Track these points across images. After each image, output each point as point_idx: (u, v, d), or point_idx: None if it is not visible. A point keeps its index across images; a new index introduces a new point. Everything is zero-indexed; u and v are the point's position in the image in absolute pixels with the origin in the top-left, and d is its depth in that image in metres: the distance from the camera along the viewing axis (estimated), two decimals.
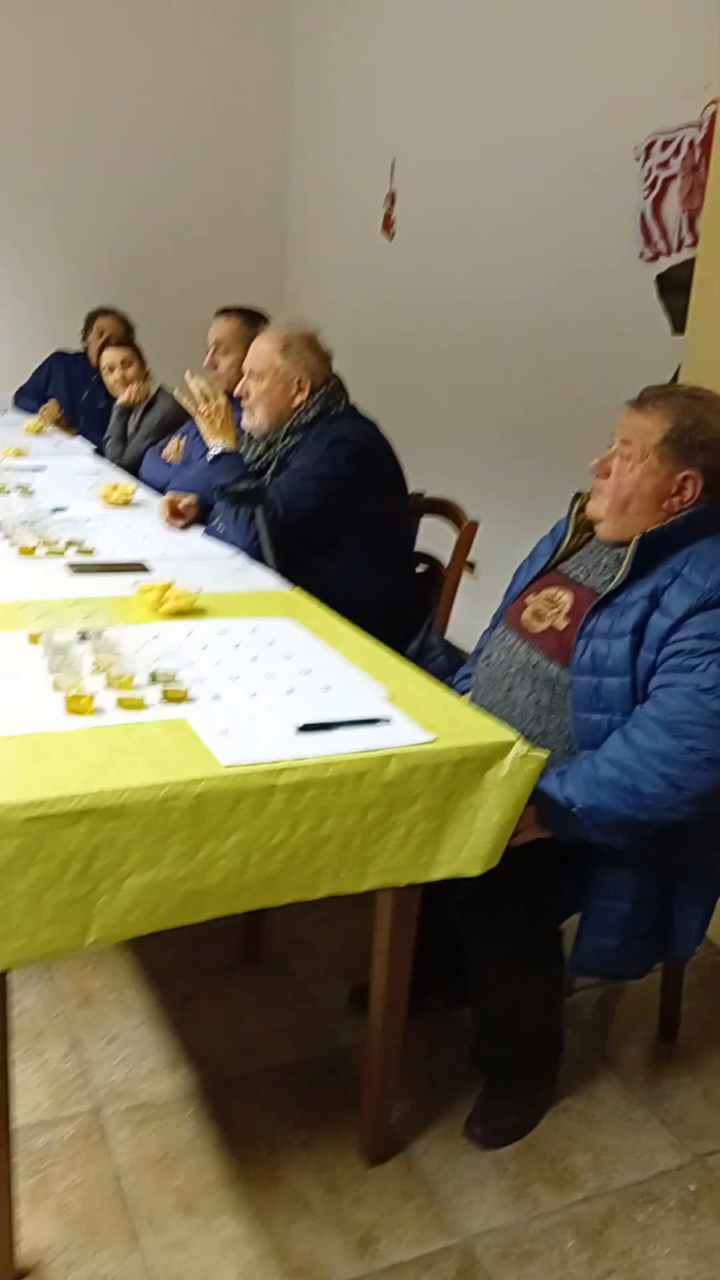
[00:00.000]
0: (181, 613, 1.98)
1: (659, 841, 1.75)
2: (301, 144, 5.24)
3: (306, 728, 1.51)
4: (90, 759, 1.37)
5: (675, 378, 2.76)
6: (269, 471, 2.56)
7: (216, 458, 2.54)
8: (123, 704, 1.53)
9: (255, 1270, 1.62)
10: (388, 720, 1.58)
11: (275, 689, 1.67)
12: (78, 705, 1.50)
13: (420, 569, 2.92)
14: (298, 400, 2.57)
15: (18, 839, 1.23)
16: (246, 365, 2.59)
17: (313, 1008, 2.20)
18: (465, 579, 2.78)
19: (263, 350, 2.56)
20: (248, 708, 1.58)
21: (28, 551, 2.30)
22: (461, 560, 2.74)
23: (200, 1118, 1.90)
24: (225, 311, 3.24)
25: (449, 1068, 2.04)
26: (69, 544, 2.38)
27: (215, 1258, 1.63)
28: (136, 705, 1.54)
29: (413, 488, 2.97)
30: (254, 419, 2.58)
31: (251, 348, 2.59)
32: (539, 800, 1.72)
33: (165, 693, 1.57)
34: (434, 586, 2.82)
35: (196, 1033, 2.10)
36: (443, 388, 4.28)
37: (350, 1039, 2.11)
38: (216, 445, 2.57)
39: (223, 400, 2.61)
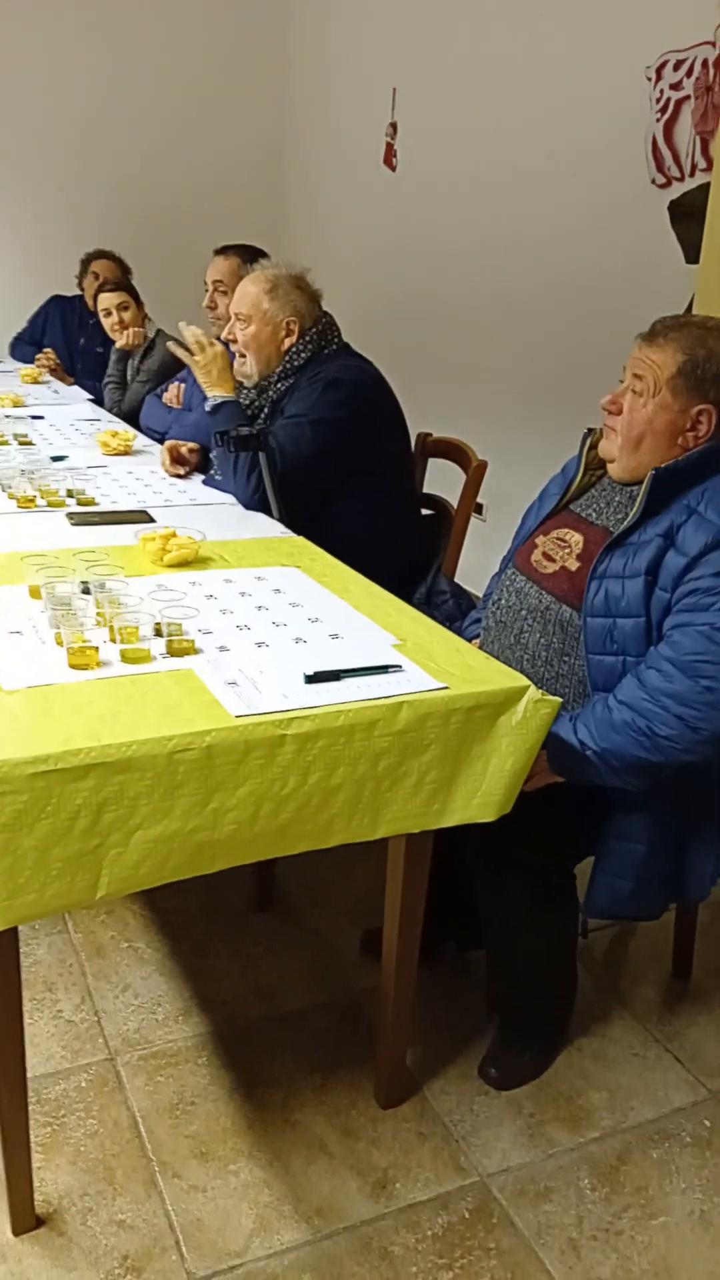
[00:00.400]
0: (185, 562, 1.95)
1: (673, 783, 1.74)
2: (299, 76, 5.09)
3: (315, 677, 1.49)
4: (97, 712, 1.35)
5: (689, 309, 2.68)
6: (262, 417, 2.51)
7: (216, 408, 2.49)
8: (127, 657, 1.51)
9: (272, 1213, 1.63)
10: (398, 668, 1.55)
11: (283, 638, 1.64)
12: (82, 659, 1.47)
13: (428, 512, 2.88)
14: (287, 343, 2.50)
15: (24, 794, 1.21)
16: (233, 308, 2.51)
17: (326, 953, 2.21)
18: (474, 521, 2.73)
19: (249, 292, 2.48)
20: (256, 658, 1.56)
21: (27, 503, 2.26)
22: (470, 502, 2.69)
23: (214, 1064, 1.91)
24: (223, 250, 3.15)
25: (463, 1011, 2.05)
26: (69, 493, 2.33)
27: (233, 1201, 1.65)
28: (143, 658, 1.51)
29: (420, 429, 2.91)
30: (243, 364, 2.52)
31: (237, 290, 2.52)
32: (552, 745, 1.71)
33: (170, 645, 1.54)
34: (442, 530, 2.78)
35: (210, 980, 2.11)
36: (450, 325, 4.19)
37: (363, 983, 2.11)
38: (215, 395, 2.51)
39: (219, 348, 2.53)
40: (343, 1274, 1.55)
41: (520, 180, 3.69)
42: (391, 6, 4.24)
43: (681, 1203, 1.70)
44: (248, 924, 2.29)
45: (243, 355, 2.53)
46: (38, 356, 4.24)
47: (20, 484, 2.30)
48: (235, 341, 2.53)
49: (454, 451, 2.79)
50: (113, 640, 1.55)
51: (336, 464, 2.43)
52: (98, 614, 1.59)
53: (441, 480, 2.89)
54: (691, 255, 2.88)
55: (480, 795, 1.54)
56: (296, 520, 2.35)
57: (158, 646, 1.55)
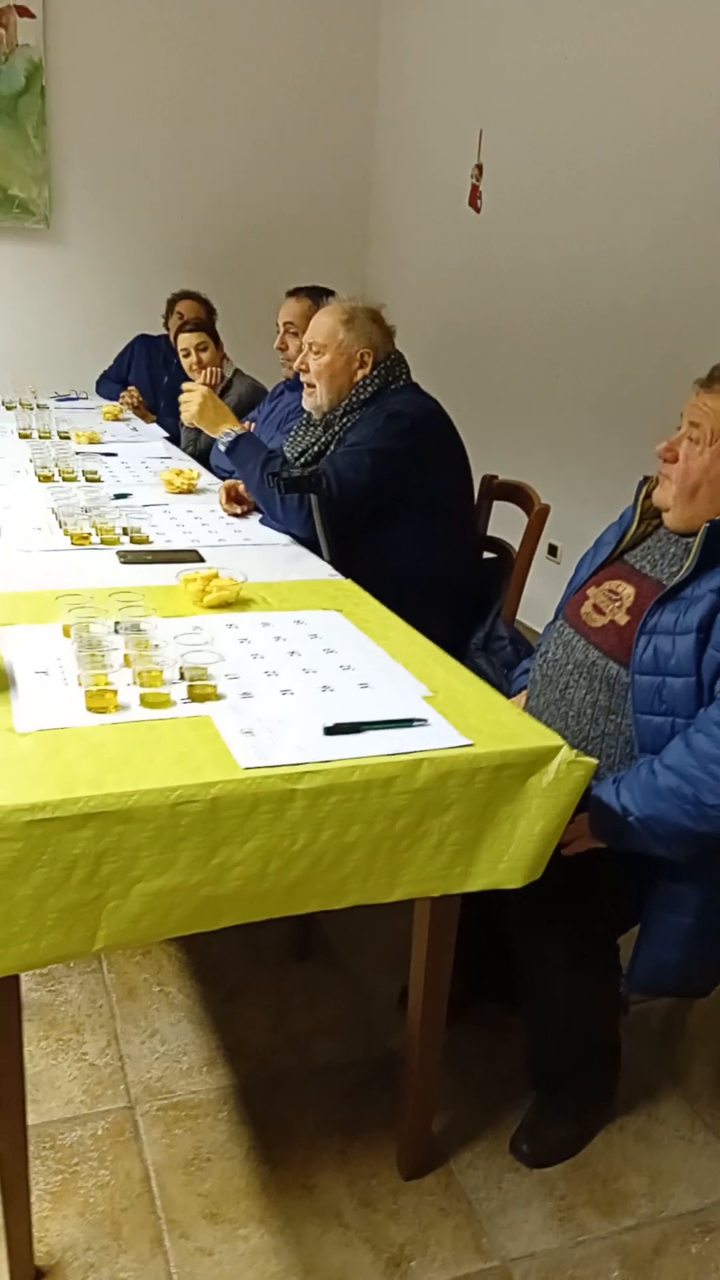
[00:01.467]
0: (226, 603, 1.93)
1: None
2: (387, 118, 5.13)
3: (334, 729, 1.44)
4: (106, 758, 1.33)
5: None
6: (329, 454, 2.49)
7: (232, 445, 2.49)
8: (146, 701, 1.48)
9: None
10: (424, 722, 1.49)
11: (310, 686, 1.60)
12: (100, 702, 1.46)
13: (490, 555, 2.82)
14: (360, 375, 2.49)
15: (19, 842, 1.19)
16: (307, 339, 2.51)
17: (362, 1006, 2.14)
18: (548, 564, 2.66)
19: (325, 323, 2.48)
20: (278, 706, 1.52)
21: (81, 540, 2.27)
22: (532, 546, 2.62)
23: (235, 1119, 1.85)
24: (295, 292, 3.17)
25: (502, 1078, 1.96)
26: (125, 531, 2.34)
27: (239, 1267, 1.59)
28: (162, 703, 1.49)
29: (494, 467, 2.86)
30: (314, 396, 2.51)
31: (313, 321, 2.52)
32: (593, 808, 1.63)
33: (191, 690, 1.51)
34: (504, 573, 2.71)
35: (240, 1029, 2.06)
36: (531, 364, 4.14)
37: (399, 1040, 2.03)
38: (226, 431, 2.51)
39: (199, 389, 2.64)
40: None
41: (603, 221, 3.63)
42: (482, 47, 4.25)
43: None
44: (285, 971, 2.24)
45: (312, 386, 2.52)
46: (122, 394, 4.32)
47: (78, 521, 2.32)
48: (307, 371, 2.52)
49: (518, 494, 2.73)
50: (136, 683, 1.53)
51: (391, 494, 2.40)
52: (125, 656, 1.57)
53: (509, 524, 2.83)
54: None
55: (507, 859, 1.47)
56: (347, 553, 2.32)
57: (180, 691, 1.52)
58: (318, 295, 3.07)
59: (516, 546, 2.69)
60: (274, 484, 2.25)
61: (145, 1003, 2.13)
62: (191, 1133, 1.83)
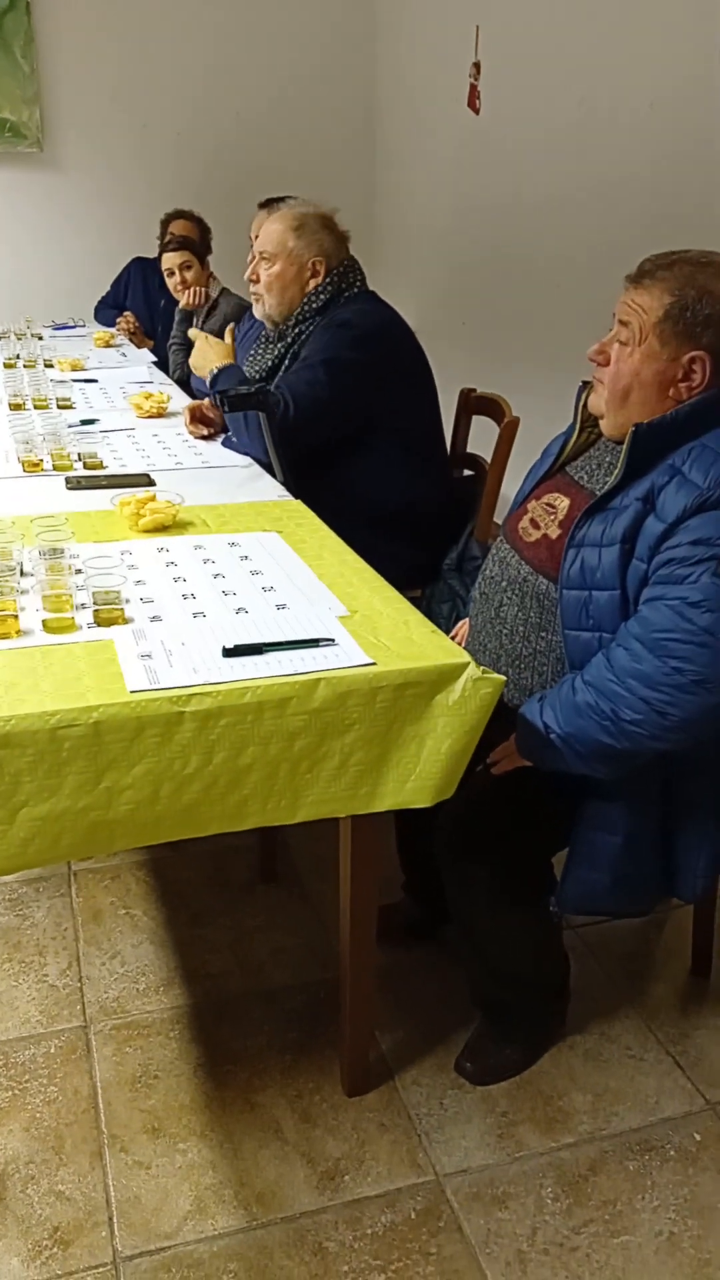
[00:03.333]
0: (163, 526, 1.90)
1: (656, 770, 1.59)
2: (387, 23, 4.90)
3: (234, 650, 1.41)
4: None
5: None
6: (282, 366, 2.43)
7: (216, 376, 2.43)
8: (49, 626, 1.47)
9: (211, 1196, 1.60)
10: (331, 641, 1.46)
11: (225, 609, 1.57)
12: (0, 628, 1.44)
13: (469, 473, 2.74)
14: (312, 284, 2.41)
15: None
16: (257, 247, 2.44)
17: (322, 929, 2.15)
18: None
19: (274, 230, 2.40)
20: (186, 629, 1.49)
21: (33, 467, 2.25)
22: (503, 460, 2.54)
23: (186, 1038, 1.88)
24: (267, 203, 3.07)
25: (453, 998, 1.96)
26: (79, 457, 2.31)
27: (174, 1181, 1.62)
28: (66, 627, 1.47)
29: (498, 383, 2.76)
30: (262, 305, 2.44)
31: (262, 229, 2.44)
32: (519, 727, 1.59)
33: (96, 614, 1.49)
34: (480, 491, 2.64)
35: (201, 951, 2.08)
36: (534, 274, 3.99)
37: None
38: (211, 370, 2.49)
39: (201, 334, 2.61)
40: (270, 1266, 1.50)
41: (607, 131, 3.43)
42: None
43: (650, 1222, 1.58)
44: (251, 896, 2.25)
45: (259, 295, 2.45)
46: (117, 319, 4.26)
47: (32, 448, 2.30)
48: (256, 281, 2.45)
49: (490, 407, 2.64)
50: (45, 608, 1.51)
51: (350, 410, 2.32)
52: (38, 581, 1.55)
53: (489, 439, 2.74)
54: None
55: (415, 779, 1.44)
56: (316, 484, 2.27)
57: (86, 616, 1.50)
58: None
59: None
60: (220, 402, 2.20)
61: (110, 925, 2.16)
62: (141, 1050, 1.86)
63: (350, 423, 2.32)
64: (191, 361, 2.63)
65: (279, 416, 2.24)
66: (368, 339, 2.30)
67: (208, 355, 2.53)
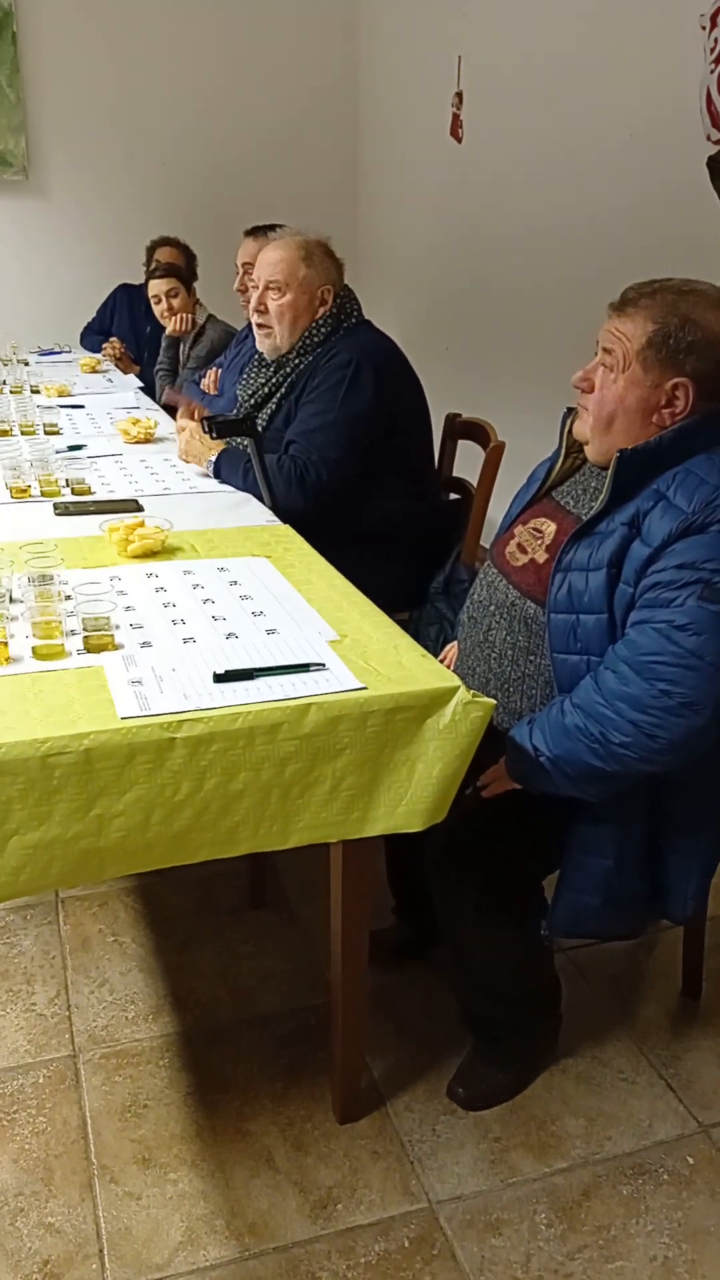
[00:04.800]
0: (151, 552, 1.90)
1: (644, 792, 1.60)
2: (370, 51, 4.97)
3: (224, 676, 1.42)
4: None
5: None
6: (278, 395, 2.44)
7: (217, 466, 2.43)
8: (38, 653, 1.47)
9: (203, 1227, 1.58)
10: (322, 666, 1.46)
11: (215, 634, 1.57)
12: None
13: (455, 497, 2.76)
14: (321, 312, 2.42)
15: None
16: (264, 276, 2.41)
17: (311, 955, 2.14)
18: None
19: (283, 259, 2.38)
20: (177, 655, 1.50)
21: (21, 493, 2.25)
22: (489, 484, 2.57)
23: (175, 1066, 1.87)
24: (253, 231, 3.10)
25: (444, 1021, 1.95)
26: (67, 483, 2.32)
27: (165, 1211, 1.61)
28: (55, 654, 1.47)
29: (481, 408, 2.78)
30: (272, 337, 2.43)
31: (264, 258, 2.43)
32: (509, 750, 1.60)
33: (86, 641, 1.49)
34: (466, 515, 2.66)
35: (189, 978, 2.07)
36: (513, 300, 4.03)
37: None
38: (209, 460, 2.47)
39: (187, 427, 2.59)
40: None
41: (588, 150, 3.49)
42: None
43: (645, 1247, 1.57)
44: (239, 921, 2.24)
45: (268, 327, 2.44)
46: (104, 345, 4.28)
47: (20, 474, 2.30)
48: (264, 312, 2.44)
49: (477, 432, 2.66)
50: (35, 635, 1.51)
51: (368, 453, 2.35)
52: (29, 608, 1.55)
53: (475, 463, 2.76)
54: None
55: (406, 803, 1.44)
56: (327, 513, 2.28)
57: (76, 643, 1.50)
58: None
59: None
60: (209, 428, 2.21)
61: (98, 953, 2.14)
62: (131, 1080, 1.84)
63: (368, 465, 2.35)
64: (183, 451, 2.58)
65: (311, 484, 2.25)
66: (378, 381, 2.32)
67: (199, 448, 2.50)
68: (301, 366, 2.44)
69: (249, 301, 3.05)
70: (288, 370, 2.47)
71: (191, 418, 2.65)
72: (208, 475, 2.45)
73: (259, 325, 2.48)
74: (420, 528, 2.51)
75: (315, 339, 2.43)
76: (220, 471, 2.42)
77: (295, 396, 2.43)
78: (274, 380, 2.49)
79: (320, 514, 2.25)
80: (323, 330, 2.43)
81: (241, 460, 2.36)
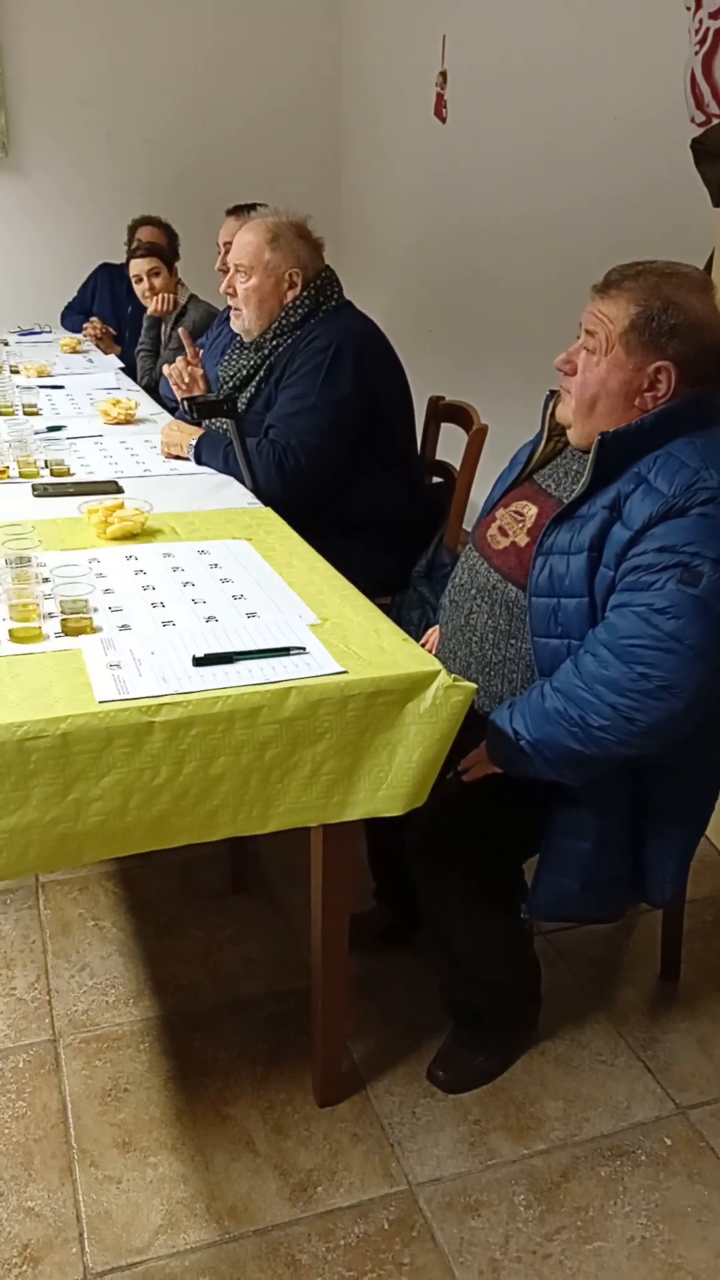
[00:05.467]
0: (131, 535, 1.89)
1: (625, 776, 1.60)
2: (353, 30, 4.92)
3: (204, 660, 1.41)
4: None
5: (712, 258, 2.47)
6: (257, 378, 2.42)
7: (197, 449, 2.42)
8: (15, 636, 1.45)
9: (183, 1210, 1.58)
10: (302, 650, 1.46)
11: (195, 617, 1.56)
12: None
13: (438, 480, 2.75)
14: (290, 296, 2.40)
15: None
16: (232, 259, 2.41)
17: (293, 939, 2.14)
18: None
19: (249, 242, 2.38)
20: (156, 638, 1.48)
21: None
22: (471, 468, 2.56)
23: (156, 1050, 1.86)
24: (235, 210, 3.07)
25: (425, 1005, 1.96)
26: (46, 464, 2.29)
27: (145, 1195, 1.61)
28: (32, 637, 1.46)
29: (469, 391, 2.76)
30: (242, 319, 2.42)
31: (236, 240, 2.42)
32: (490, 734, 1.59)
33: (64, 624, 1.48)
34: (449, 499, 2.65)
35: (169, 962, 2.07)
36: (497, 283, 4.01)
37: None
38: (189, 445, 2.45)
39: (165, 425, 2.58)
40: (243, 1279, 1.49)
41: (573, 131, 3.46)
42: None
43: (622, 1228, 1.58)
44: (221, 906, 2.23)
45: (238, 310, 2.43)
46: (84, 325, 4.24)
47: (1, 455, 2.27)
48: (234, 294, 2.43)
49: (459, 415, 2.65)
50: (11, 618, 1.50)
51: (353, 440, 2.34)
52: (4, 590, 1.54)
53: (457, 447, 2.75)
54: (718, 198, 2.64)
55: (387, 787, 1.44)
56: (310, 501, 2.27)
57: (54, 626, 1.49)
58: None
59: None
60: (189, 409, 2.19)
61: (79, 937, 2.13)
62: (112, 1064, 1.84)
63: (351, 450, 2.33)
64: (165, 442, 2.55)
65: (290, 469, 2.24)
66: (358, 366, 2.30)
67: (179, 435, 2.47)
68: (280, 349, 2.42)
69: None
70: (265, 353, 2.45)
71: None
72: (187, 459, 2.44)
73: (232, 307, 2.48)
74: (403, 512, 2.50)
75: (291, 320, 2.41)
76: (201, 455, 2.40)
77: (275, 379, 2.42)
78: (253, 362, 2.47)
79: (300, 499, 2.24)
80: (299, 312, 2.40)
81: (222, 443, 2.34)
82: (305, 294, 2.39)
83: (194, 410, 2.18)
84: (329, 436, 2.29)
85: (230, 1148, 1.69)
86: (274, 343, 2.43)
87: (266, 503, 2.16)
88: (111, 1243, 1.53)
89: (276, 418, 2.33)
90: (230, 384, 2.49)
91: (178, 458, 2.45)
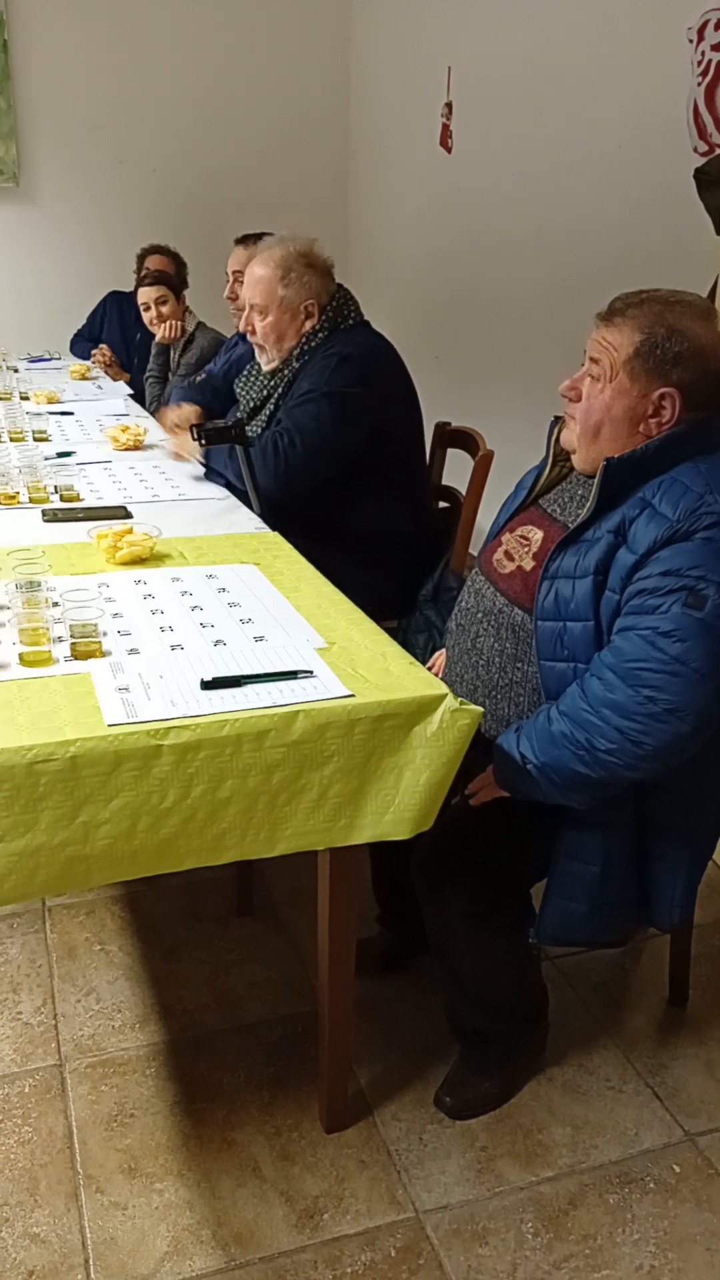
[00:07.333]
0: (140, 559, 1.90)
1: (631, 800, 1.60)
2: (360, 61, 4.98)
3: (212, 683, 1.42)
4: None
5: (715, 286, 2.49)
6: (275, 396, 2.46)
7: (207, 464, 2.46)
8: (25, 660, 1.46)
9: (189, 1237, 1.57)
10: (309, 673, 1.46)
11: (203, 641, 1.57)
12: None
13: (444, 505, 2.76)
14: (308, 326, 2.44)
15: None
16: (247, 298, 2.46)
17: (298, 962, 2.13)
18: None
19: (261, 280, 2.41)
20: (164, 662, 1.49)
21: (9, 500, 2.25)
22: (477, 493, 2.57)
23: (162, 1075, 1.86)
24: (243, 239, 3.11)
25: (431, 1029, 1.95)
26: (56, 490, 2.32)
27: (151, 1221, 1.60)
28: (42, 661, 1.47)
29: (474, 418, 2.79)
30: (266, 355, 2.47)
31: (248, 276, 2.46)
32: (496, 757, 1.60)
33: (73, 648, 1.49)
34: (455, 523, 2.66)
35: (175, 986, 2.07)
36: (503, 307, 4.04)
37: None
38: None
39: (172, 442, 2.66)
40: None
41: (577, 160, 3.50)
42: None
43: (631, 1256, 1.57)
44: (226, 929, 2.23)
45: (261, 346, 2.48)
46: (93, 352, 4.28)
47: (12, 480, 2.30)
48: (253, 333, 2.47)
49: (466, 441, 2.67)
50: (21, 642, 1.51)
51: (354, 446, 2.36)
52: (14, 615, 1.55)
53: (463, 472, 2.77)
54: None
55: (394, 811, 1.44)
56: (297, 514, 2.28)
57: (63, 649, 1.50)
58: None
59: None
60: (197, 436, 2.22)
61: (85, 961, 2.13)
62: (117, 1089, 1.83)
63: (349, 459, 2.35)
64: (176, 446, 2.61)
65: (284, 451, 2.26)
66: (369, 372, 2.34)
67: (192, 443, 2.51)
68: (299, 367, 2.46)
69: (240, 309, 3.09)
70: (285, 374, 2.49)
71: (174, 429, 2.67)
72: (201, 463, 2.48)
73: (255, 344, 2.52)
74: (409, 535, 2.52)
75: (312, 345, 2.45)
76: (210, 459, 2.45)
77: (291, 395, 2.46)
78: (270, 384, 2.51)
79: (296, 496, 2.26)
80: (319, 336, 2.45)
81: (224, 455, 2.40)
82: (323, 319, 2.43)
83: (202, 437, 2.21)
84: (327, 426, 2.30)
85: (236, 1173, 1.68)
86: (294, 363, 2.46)
87: (267, 502, 2.18)
88: (117, 1269, 1.53)
89: (283, 413, 2.37)
90: (250, 404, 2.53)
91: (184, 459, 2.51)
